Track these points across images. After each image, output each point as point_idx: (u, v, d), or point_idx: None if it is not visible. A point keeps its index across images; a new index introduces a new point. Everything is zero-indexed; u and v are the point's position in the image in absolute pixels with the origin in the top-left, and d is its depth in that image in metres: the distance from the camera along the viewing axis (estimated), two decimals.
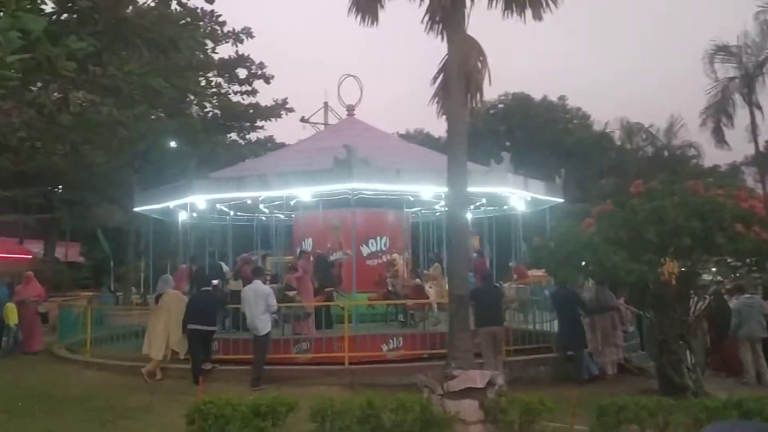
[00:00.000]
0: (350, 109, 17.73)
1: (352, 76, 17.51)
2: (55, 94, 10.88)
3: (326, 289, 13.03)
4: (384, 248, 15.84)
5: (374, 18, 8.03)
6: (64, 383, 10.63)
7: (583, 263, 9.27)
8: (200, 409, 5.95)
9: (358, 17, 8.06)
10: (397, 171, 12.48)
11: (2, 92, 7.11)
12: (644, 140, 29.56)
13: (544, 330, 12.58)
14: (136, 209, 16.11)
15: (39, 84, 10.39)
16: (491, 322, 10.65)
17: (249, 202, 15.57)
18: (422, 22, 7.82)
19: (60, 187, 29.08)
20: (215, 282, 13.38)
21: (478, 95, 7.33)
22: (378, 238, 15.71)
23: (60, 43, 7.70)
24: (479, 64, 7.28)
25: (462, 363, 6.66)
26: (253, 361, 10.62)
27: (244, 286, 11.80)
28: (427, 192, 13.75)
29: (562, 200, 16.35)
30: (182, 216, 16.31)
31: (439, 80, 7.54)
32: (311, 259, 13.69)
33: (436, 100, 7.53)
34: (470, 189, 12.80)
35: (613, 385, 11.08)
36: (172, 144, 24.71)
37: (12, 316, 13.76)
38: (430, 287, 13.41)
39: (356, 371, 10.86)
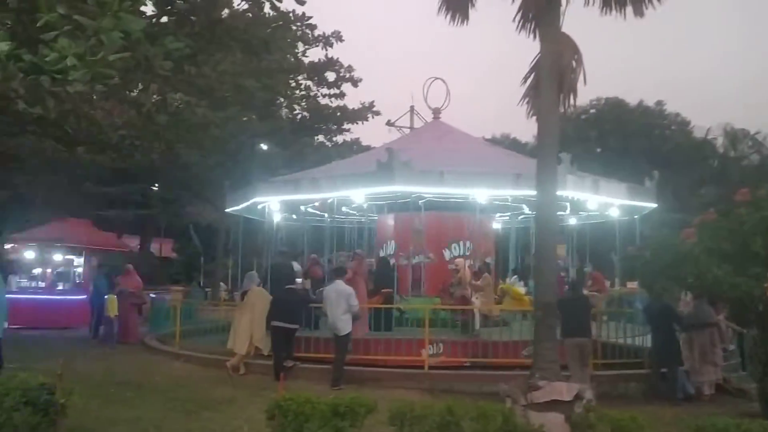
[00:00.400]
0: (436, 112, 17.57)
1: (439, 78, 17.36)
2: (155, 96, 11.37)
3: (383, 291, 12.95)
4: (466, 253, 15.59)
5: (465, 17, 7.87)
6: (154, 373, 11.04)
7: (682, 275, 8.70)
8: (280, 405, 5.96)
9: (448, 16, 7.92)
10: (441, 173, 12.26)
11: (103, 90, 7.44)
12: (750, 147, 27.69)
13: (636, 344, 11.97)
14: (227, 209, 16.59)
15: (140, 86, 10.91)
16: (578, 333, 10.23)
17: (314, 205, 15.78)
18: (513, 20, 7.59)
19: (156, 185, 30.51)
20: (299, 281, 13.61)
21: (572, 96, 7.01)
22: (461, 242, 15.46)
23: (158, 44, 7.98)
24: (573, 63, 6.97)
25: (547, 374, 6.37)
26: (333, 360, 10.64)
27: (312, 286, 11.90)
28: (479, 195, 13.30)
29: (654, 205, 15.39)
30: (273, 216, 16.62)
31: (530, 80, 7.25)
32: (365, 261, 13.73)
33: (526, 100, 7.26)
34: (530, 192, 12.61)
35: (710, 406, 10.39)
36: (262, 146, 25.41)
37: (113, 307, 14.47)
38: (476, 298, 13.01)
39: (435, 376, 10.70)
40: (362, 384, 10.61)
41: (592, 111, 55.51)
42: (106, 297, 14.63)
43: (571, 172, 12.78)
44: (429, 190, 13.01)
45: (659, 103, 55.65)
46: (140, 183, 25.65)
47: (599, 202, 14.25)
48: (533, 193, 11.92)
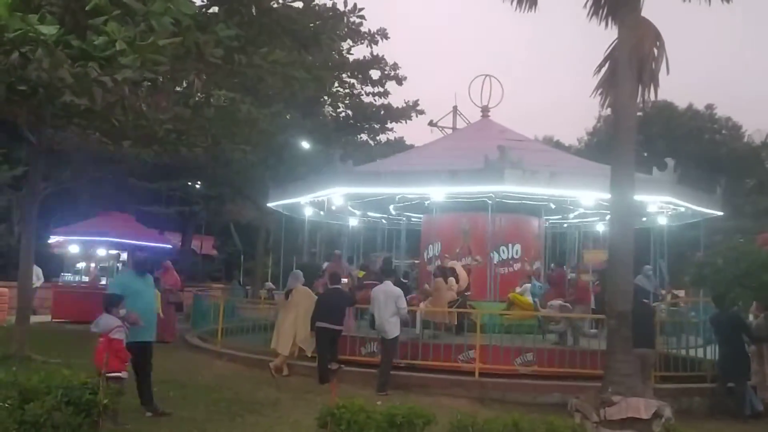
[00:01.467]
0: (485, 110, 17.03)
1: (490, 75, 16.82)
2: (199, 94, 11.17)
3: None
4: (515, 256, 15.04)
5: (533, 3, 7.38)
6: (197, 372, 10.79)
7: (759, 285, 8.07)
8: (333, 413, 5.58)
9: (515, 2, 7.43)
10: (552, 174, 11.66)
11: (152, 78, 7.18)
12: None
13: (698, 357, 11.28)
14: (270, 204, 16.22)
15: (184, 83, 10.73)
16: (641, 344, 9.51)
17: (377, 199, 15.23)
18: (584, 6, 7.07)
19: (199, 182, 30.58)
20: (344, 281, 13.25)
21: (653, 85, 6.46)
22: (510, 245, 14.89)
23: (209, 31, 7.71)
24: (655, 51, 6.41)
25: (622, 388, 5.85)
26: (380, 364, 10.24)
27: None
28: (586, 198, 12.74)
29: (720, 213, 14.70)
30: (309, 213, 16.30)
31: (605, 69, 6.72)
32: (342, 261, 13.68)
33: (599, 91, 6.72)
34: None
35: None
36: (305, 144, 25.20)
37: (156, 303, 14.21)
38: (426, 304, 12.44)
39: (486, 384, 10.20)
40: (408, 390, 10.21)
41: (639, 114, 54.08)
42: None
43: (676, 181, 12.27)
44: (537, 192, 12.51)
45: (709, 106, 53.98)
46: (183, 179, 25.64)
47: (683, 209, 13.68)
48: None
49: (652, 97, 6.50)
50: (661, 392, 9.75)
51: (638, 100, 6.55)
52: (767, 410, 9.96)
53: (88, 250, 18.36)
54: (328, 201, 14.77)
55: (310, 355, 11.09)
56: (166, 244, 21.47)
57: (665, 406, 5.83)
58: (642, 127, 48.99)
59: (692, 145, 44.73)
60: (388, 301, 10.13)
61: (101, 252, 17.48)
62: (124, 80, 6.59)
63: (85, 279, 18.55)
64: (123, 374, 7.00)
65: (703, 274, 8.90)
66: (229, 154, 21.78)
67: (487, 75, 16.89)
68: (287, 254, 22.95)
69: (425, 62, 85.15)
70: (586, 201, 13.12)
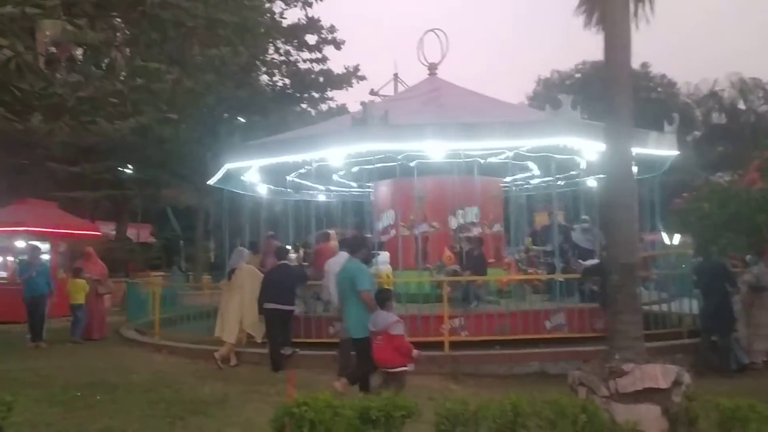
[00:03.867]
0: (432, 68, 15.93)
1: (436, 30, 15.66)
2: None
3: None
4: (475, 220, 14.14)
5: None
6: (131, 369, 9.47)
7: (752, 228, 7.33)
8: (292, 412, 4.48)
9: None
10: (420, 127, 10.90)
11: (39, 13, 5.85)
12: (760, 98, 26.27)
13: (680, 311, 10.66)
14: (210, 182, 14.75)
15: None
16: None
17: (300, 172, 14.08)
18: None
19: (130, 166, 28.65)
20: (292, 256, 12.14)
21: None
22: (468, 209, 13.96)
23: None
24: None
25: (630, 354, 4.97)
26: (340, 345, 9.16)
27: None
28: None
29: (676, 152, 13.48)
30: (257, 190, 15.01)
31: None
32: (274, 241, 12.57)
33: (582, 9, 5.75)
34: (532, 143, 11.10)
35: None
36: (240, 118, 23.74)
37: (76, 293, 12.58)
38: None
39: (459, 358, 9.28)
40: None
41: (578, 75, 54.31)
42: (47, 291, 12.10)
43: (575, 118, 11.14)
44: (407, 147, 11.42)
45: (644, 65, 54.73)
46: (110, 161, 23.70)
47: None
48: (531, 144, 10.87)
49: (649, 15, 5.55)
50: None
51: (634, 16, 5.58)
52: (752, 364, 9.47)
53: (3, 242, 16.50)
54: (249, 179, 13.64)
55: (260, 341, 9.94)
56: (95, 231, 19.64)
57: (683, 371, 4.98)
58: (581, 89, 49.15)
59: (631, 104, 44.95)
60: None
61: (20, 244, 15.68)
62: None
63: (3, 274, 16.71)
64: (410, 367, 6.88)
65: (687, 221, 8.15)
66: (158, 130, 20.40)
67: (434, 29, 15.74)
68: (232, 236, 21.60)
69: (364, 24, 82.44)
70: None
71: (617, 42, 5.35)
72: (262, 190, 16.20)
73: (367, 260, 7.54)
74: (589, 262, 11.58)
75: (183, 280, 22.08)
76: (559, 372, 9.13)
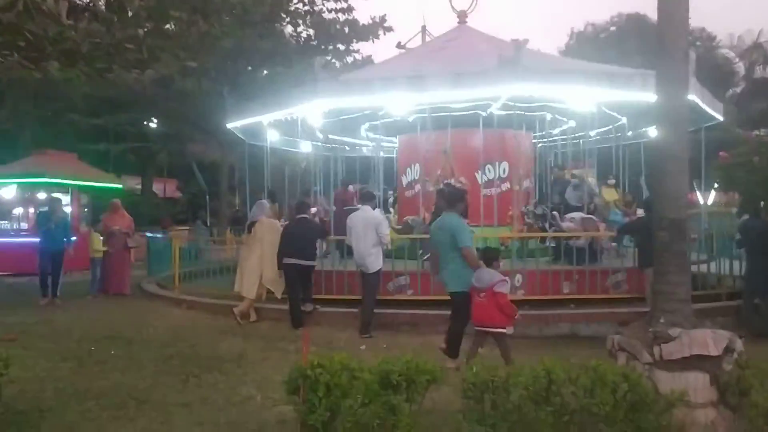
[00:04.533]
0: (462, 17, 15.16)
1: None
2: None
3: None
4: (503, 175, 13.57)
5: None
6: (149, 324, 9.27)
7: None
8: (306, 374, 4.14)
9: None
10: (557, 71, 9.96)
11: None
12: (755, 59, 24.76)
13: (721, 272, 10.11)
14: (230, 125, 14.21)
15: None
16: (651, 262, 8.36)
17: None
18: None
19: (154, 119, 28.44)
20: (313, 210, 11.79)
21: None
22: (496, 164, 13.35)
23: None
24: None
25: (678, 318, 4.50)
26: (361, 303, 8.85)
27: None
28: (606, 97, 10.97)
29: (721, 119, 13.02)
30: (273, 138, 14.52)
31: None
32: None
33: None
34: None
35: None
36: (264, 70, 23.21)
37: (96, 244, 12.37)
38: None
39: None
40: (396, 330, 8.90)
41: (613, 29, 52.52)
42: (65, 242, 11.70)
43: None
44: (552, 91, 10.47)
45: None
46: (131, 113, 23.41)
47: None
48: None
49: None
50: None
51: None
52: None
53: (24, 194, 16.39)
54: (301, 122, 12.99)
55: (280, 297, 9.66)
56: (116, 184, 19.45)
57: (736, 337, 4.51)
58: (617, 43, 47.48)
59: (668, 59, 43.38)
60: (367, 230, 8.64)
61: (41, 196, 15.53)
62: None
63: (24, 226, 16.65)
64: (509, 329, 6.72)
65: (734, 177, 7.54)
66: (180, 83, 20.00)
67: None
68: (253, 193, 21.37)
69: None
70: (592, 104, 11.29)
71: None
72: (289, 143, 15.81)
73: (465, 214, 7.19)
74: (571, 215, 11.00)
75: (206, 235, 21.92)
76: (591, 334, 8.74)
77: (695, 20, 49.58)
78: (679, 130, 4.65)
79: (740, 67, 32.44)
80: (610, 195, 13.70)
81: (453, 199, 7.21)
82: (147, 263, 14.65)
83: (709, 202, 15.41)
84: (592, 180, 14.30)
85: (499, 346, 6.64)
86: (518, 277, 9.73)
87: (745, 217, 9.32)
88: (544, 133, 16.20)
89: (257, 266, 9.63)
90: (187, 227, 26.64)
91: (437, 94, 10.18)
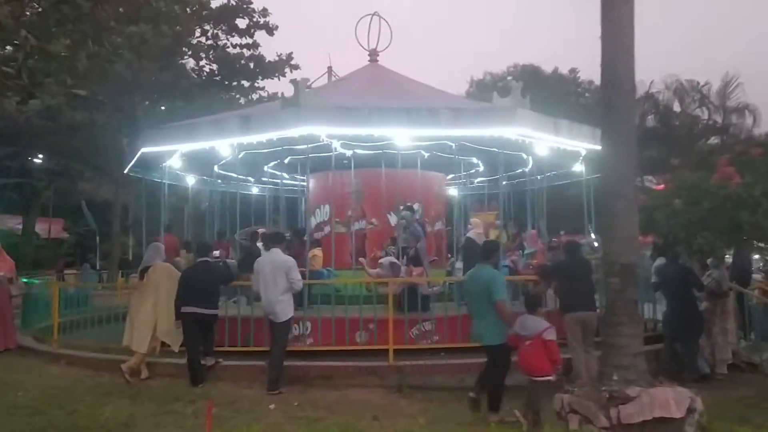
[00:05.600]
0: (373, 54, 14.88)
1: (378, 14, 14.59)
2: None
3: None
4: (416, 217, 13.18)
5: None
6: (18, 385, 7.97)
7: (731, 227, 6.65)
8: None
9: None
10: (356, 109, 9.67)
11: None
12: (696, 101, 26.48)
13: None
14: (126, 171, 13.20)
15: None
16: (582, 307, 8.11)
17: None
18: None
19: (39, 154, 26.37)
20: (216, 253, 10.87)
21: None
22: (409, 205, 12.96)
23: None
24: None
25: (632, 374, 4.10)
26: (270, 354, 8.01)
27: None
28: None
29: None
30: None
31: None
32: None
33: None
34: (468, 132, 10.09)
35: (729, 385, 8.64)
36: (163, 105, 22.07)
37: None
38: None
39: (405, 369, 8.27)
40: (308, 384, 8.12)
41: (509, 78, 54.83)
42: None
43: (526, 106, 10.17)
44: (340, 131, 10.08)
45: (573, 70, 55.97)
46: (12, 146, 21.41)
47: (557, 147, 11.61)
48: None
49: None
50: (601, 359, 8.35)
51: None
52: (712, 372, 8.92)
53: None
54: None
55: (177, 351, 8.63)
56: None
57: (696, 397, 4.13)
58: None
59: (560, 109, 45.69)
60: (277, 275, 7.88)
61: None
62: None
63: None
64: (553, 377, 6.30)
65: (653, 219, 7.40)
66: (69, 114, 18.55)
67: (375, 13, 14.68)
68: (150, 233, 19.97)
69: (299, 9, 79.50)
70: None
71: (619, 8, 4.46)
72: (188, 180, 14.89)
73: (497, 266, 7.03)
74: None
75: (94, 279, 20.17)
76: (514, 384, 8.32)
77: (585, 73, 52.74)
78: (626, 170, 4.33)
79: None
80: (502, 236, 13.15)
81: (488, 250, 7.12)
82: (22, 312, 12.94)
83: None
84: (498, 223, 13.99)
85: (533, 393, 6.31)
86: None
87: (661, 260, 9.28)
88: (458, 175, 16.16)
89: (151, 316, 8.57)
90: (74, 271, 24.62)
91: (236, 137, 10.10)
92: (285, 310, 7.90)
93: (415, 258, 10.39)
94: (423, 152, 12.26)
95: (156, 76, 18.90)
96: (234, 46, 21.94)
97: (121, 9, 9.36)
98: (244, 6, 20.85)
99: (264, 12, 21.15)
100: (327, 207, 13.34)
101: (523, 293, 8.88)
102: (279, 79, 23.06)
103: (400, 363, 8.34)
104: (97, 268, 25.99)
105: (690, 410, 4.02)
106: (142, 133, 10.69)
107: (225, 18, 21.07)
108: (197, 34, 20.82)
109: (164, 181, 13.18)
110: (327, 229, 13.05)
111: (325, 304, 9.59)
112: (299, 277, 8.11)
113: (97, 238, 29.40)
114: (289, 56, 22.45)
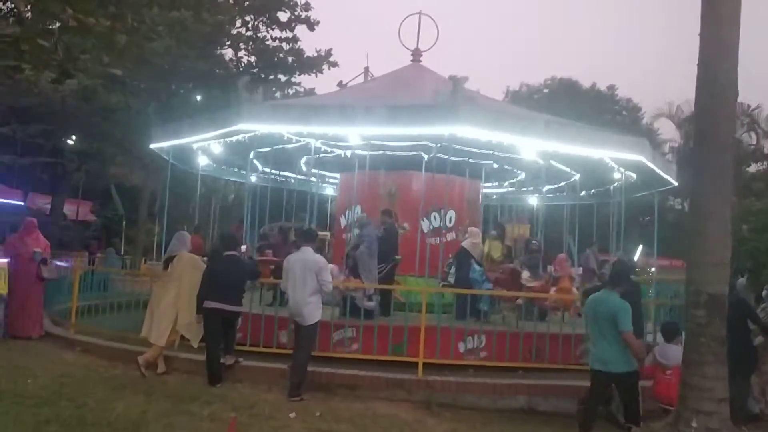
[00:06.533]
0: (416, 54, 14.43)
1: (423, 13, 14.17)
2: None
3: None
4: (449, 224, 12.70)
5: None
6: (30, 372, 7.62)
7: None
8: None
9: None
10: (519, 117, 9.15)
11: None
12: (743, 125, 25.48)
13: None
14: (154, 146, 12.87)
15: None
16: None
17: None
18: None
19: (72, 136, 26.32)
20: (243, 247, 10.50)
21: None
22: (442, 211, 12.44)
23: None
24: None
25: (715, 423, 3.57)
26: (293, 358, 7.57)
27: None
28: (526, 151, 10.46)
29: (675, 184, 12.72)
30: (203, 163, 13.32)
31: None
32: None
33: None
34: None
35: None
36: (199, 94, 21.86)
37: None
38: None
39: (434, 384, 7.78)
40: (331, 392, 7.68)
41: (546, 90, 54.16)
42: None
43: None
44: (492, 135, 9.32)
45: (611, 87, 55.23)
46: (45, 124, 21.26)
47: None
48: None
49: None
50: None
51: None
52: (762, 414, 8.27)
53: None
54: (227, 148, 11.85)
55: (196, 346, 8.24)
56: (17, 200, 17.35)
57: None
58: (548, 104, 49.02)
59: (595, 124, 45.15)
60: (306, 275, 7.44)
61: None
62: None
63: None
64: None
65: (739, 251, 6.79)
66: (104, 97, 18.38)
67: (419, 12, 14.25)
68: (175, 221, 19.74)
69: (340, 4, 78.60)
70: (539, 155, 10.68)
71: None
72: (217, 171, 14.69)
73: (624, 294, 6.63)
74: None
75: (118, 264, 19.95)
76: (550, 409, 7.79)
77: (622, 91, 51.97)
78: (722, 185, 3.81)
79: (679, 136, 33.30)
80: (496, 250, 12.27)
81: (617, 278, 6.67)
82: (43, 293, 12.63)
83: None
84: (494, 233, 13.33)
85: None
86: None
87: None
88: (493, 183, 15.70)
89: (172, 308, 8.19)
90: (98, 254, 24.48)
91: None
92: (313, 312, 7.46)
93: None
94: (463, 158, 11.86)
95: (193, 64, 18.65)
96: (273, 39, 21.67)
97: None
98: None
99: (306, 6, 20.83)
100: (358, 208, 12.90)
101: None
102: (316, 76, 22.75)
103: (430, 378, 7.84)
104: (121, 253, 25.84)
105: None
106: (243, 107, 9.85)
107: (267, 9, 20.79)
108: (238, 24, 20.55)
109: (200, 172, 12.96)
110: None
111: None
112: (330, 278, 7.67)
113: (124, 223, 29.30)
114: (328, 53, 22.11)
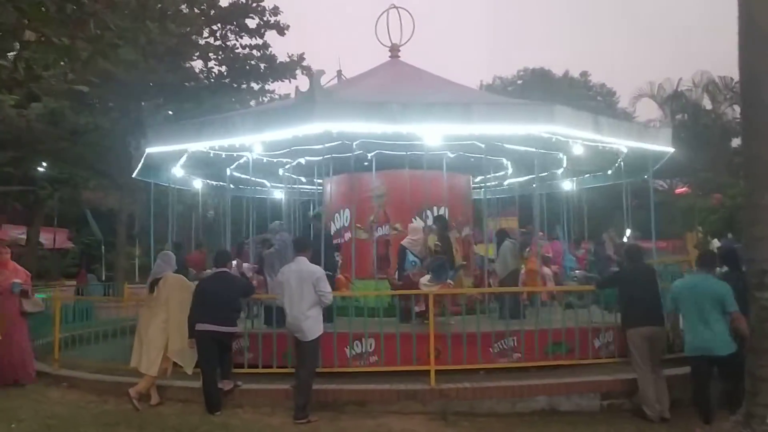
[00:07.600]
0: (394, 50, 13.97)
1: (399, 7, 13.70)
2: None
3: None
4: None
5: None
6: (13, 412, 7.03)
7: None
8: None
9: None
10: (380, 104, 8.67)
11: None
12: (727, 99, 25.26)
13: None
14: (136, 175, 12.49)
15: None
16: (648, 321, 7.21)
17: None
18: None
19: (42, 162, 25.53)
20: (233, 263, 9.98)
21: None
22: (435, 209, 12.01)
23: None
24: None
25: None
26: (297, 378, 7.07)
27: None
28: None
29: (671, 150, 11.91)
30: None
31: None
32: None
33: None
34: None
35: None
36: (170, 108, 21.24)
37: None
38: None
39: (448, 393, 7.32)
40: (340, 410, 7.18)
41: (519, 82, 54.11)
42: None
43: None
44: (357, 128, 8.87)
45: (584, 74, 55.38)
46: (11, 152, 20.46)
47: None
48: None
49: None
50: (673, 380, 7.38)
51: None
52: None
53: None
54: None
55: (191, 373, 7.69)
56: None
57: None
58: (522, 95, 49.01)
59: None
60: (304, 286, 6.95)
61: None
62: None
63: None
64: None
65: (736, 220, 6.44)
66: (72, 118, 17.73)
67: (395, 6, 13.78)
68: (160, 241, 19.08)
69: (311, 7, 77.80)
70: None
71: None
72: (197, 184, 14.13)
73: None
74: None
75: (100, 291, 19.28)
76: (573, 408, 7.37)
77: (596, 77, 52.04)
78: None
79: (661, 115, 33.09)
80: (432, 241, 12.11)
81: (707, 260, 7.06)
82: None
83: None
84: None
85: None
86: None
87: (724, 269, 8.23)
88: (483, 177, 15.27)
89: (161, 334, 7.65)
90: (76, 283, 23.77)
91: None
92: (313, 327, 6.96)
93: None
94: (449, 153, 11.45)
95: (162, 78, 18.08)
96: (243, 47, 21.15)
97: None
98: (254, 5, 20.01)
99: (275, 11, 20.32)
100: (347, 212, 12.44)
101: None
102: (290, 81, 22.28)
103: (443, 386, 7.38)
104: (102, 279, 25.13)
105: None
106: (150, 132, 9.93)
107: (234, 17, 20.25)
108: (205, 34, 20.00)
109: (175, 187, 12.46)
110: (347, 235, 12.20)
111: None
112: (329, 288, 7.17)
113: (103, 248, 28.55)
114: (301, 57, 21.64)
